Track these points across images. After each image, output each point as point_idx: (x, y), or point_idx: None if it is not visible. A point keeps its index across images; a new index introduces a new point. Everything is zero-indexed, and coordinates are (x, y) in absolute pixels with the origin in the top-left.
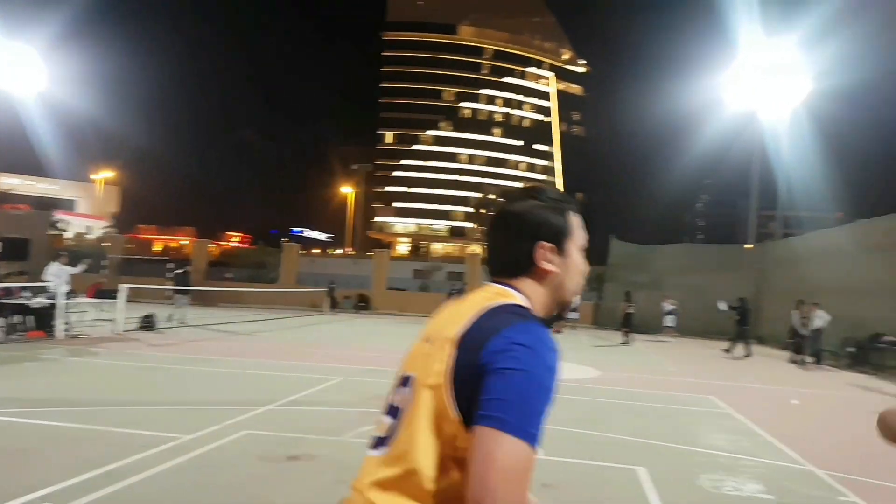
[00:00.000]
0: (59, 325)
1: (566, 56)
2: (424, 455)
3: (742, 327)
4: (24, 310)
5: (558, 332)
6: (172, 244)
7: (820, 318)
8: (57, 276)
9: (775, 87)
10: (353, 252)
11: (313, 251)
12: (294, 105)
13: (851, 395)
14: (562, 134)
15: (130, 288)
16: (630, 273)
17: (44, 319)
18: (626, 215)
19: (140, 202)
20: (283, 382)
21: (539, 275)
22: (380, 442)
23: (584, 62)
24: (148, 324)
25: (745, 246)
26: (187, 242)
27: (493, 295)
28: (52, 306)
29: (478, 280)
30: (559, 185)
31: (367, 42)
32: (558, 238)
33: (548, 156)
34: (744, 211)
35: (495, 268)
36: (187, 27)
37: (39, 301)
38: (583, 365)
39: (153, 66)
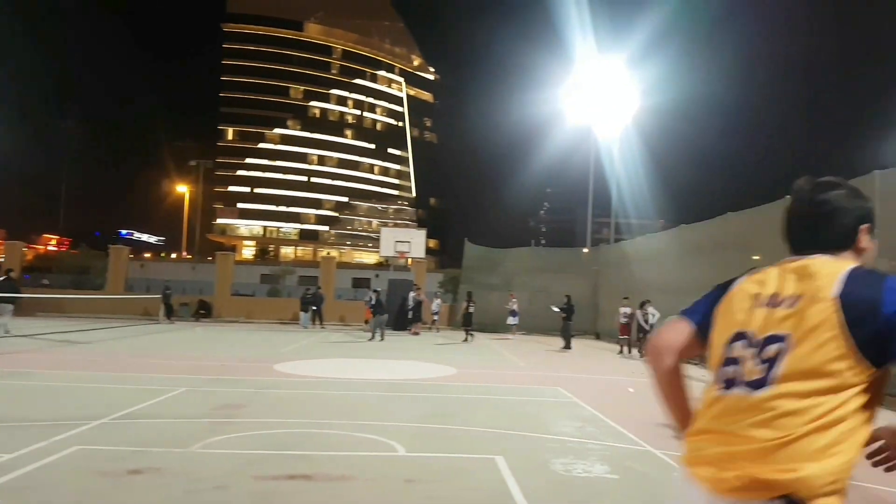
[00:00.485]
0: None
1: (416, 62)
2: (811, 390)
3: (566, 323)
4: None
5: (416, 333)
6: None
7: (652, 315)
8: None
9: (608, 103)
10: (190, 257)
11: (144, 255)
12: (122, 96)
13: None
14: (414, 139)
15: None
16: (483, 275)
17: None
18: (478, 220)
19: None
20: (118, 395)
21: (857, 251)
22: (757, 384)
23: (434, 70)
24: None
25: (584, 250)
26: None
27: (838, 262)
28: None
29: (333, 284)
30: (412, 189)
31: (206, 33)
32: (871, 222)
33: (401, 160)
34: (582, 217)
35: (810, 244)
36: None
37: None
38: (439, 364)
39: None
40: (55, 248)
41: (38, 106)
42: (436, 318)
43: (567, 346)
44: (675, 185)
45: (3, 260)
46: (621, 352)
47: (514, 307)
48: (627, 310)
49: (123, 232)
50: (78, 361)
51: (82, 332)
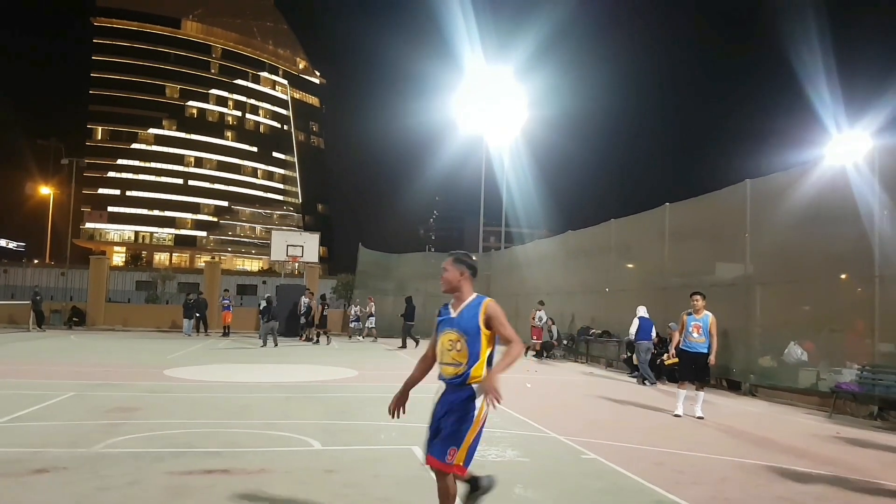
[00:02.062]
0: None
1: (302, 65)
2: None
3: (407, 324)
4: None
5: (309, 339)
6: None
7: (539, 318)
8: None
9: (498, 112)
10: (52, 263)
11: (3, 261)
12: None
13: (571, 378)
14: (300, 143)
15: None
16: (377, 280)
17: None
18: (368, 227)
19: None
20: (1, 400)
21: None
22: None
23: (320, 74)
24: None
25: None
26: None
27: None
28: None
29: (217, 290)
30: (299, 195)
31: (73, 26)
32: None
33: (286, 165)
34: (471, 225)
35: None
36: None
37: None
38: (340, 367)
39: None
40: None
41: None
42: (356, 324)
43: (403, 346)
44: (561, 194)
45: None
46: (536, 355)
47: (372, 310)
48: (543, 314)
49: None
50: None
51: None
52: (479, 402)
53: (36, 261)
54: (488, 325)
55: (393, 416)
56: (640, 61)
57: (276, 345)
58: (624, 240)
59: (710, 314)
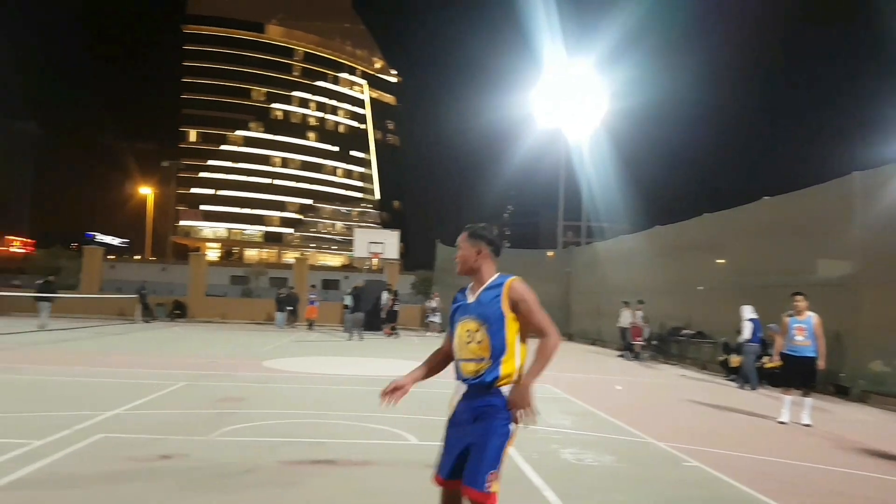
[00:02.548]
0: None
1: (378, 65)
2: None
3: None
4: None
5: (390, 333)
6: None
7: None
8: None
9: (578, 105)
10: (154, 258)
11: (109, 257)
12: (83, 98)
13: (663, 381)
14: (377, 142)
15: None
16: (455, 276)
17: None
18: (442, 222)
19: None
20: (122, 389)
21: None
22: None
23: (396, 72)
24: None
25: (548, 253)
26: None
27: None
28: None
29: (305, 285)
30: (375, 192)
31: (166, 34)
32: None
33: (364, 163)
34: (546, 220)
35: None
36: None
37: None
38: (418, 362)
39: None
40: (21, 250)
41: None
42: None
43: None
44: (645, 188)
45: None
46: (636, 356)
47: (435, 305)
48: (641, 313)
49: (88, 233)
50: (70, 358)
51: (64, 331)
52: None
53: (138, 256)
54: (515, 310)
55: (383, 402)
56: (730, 47)
57: (361, 338)
58: (717, 235)
59: (813, 315)
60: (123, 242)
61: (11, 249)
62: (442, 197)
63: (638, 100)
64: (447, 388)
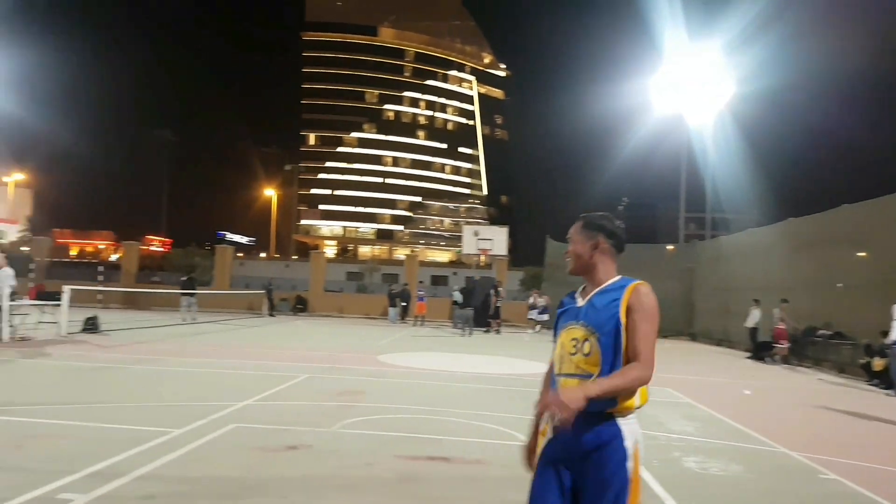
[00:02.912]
0: (5, 328)
1: (487, 60)
2: None
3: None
4: None
5: (497, 331)
6: (89, 248)
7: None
8: None
9: (700, 91)
10: (278, 256)
11: (238, 254)
12: (211, 106)
13: (796, 385)
14: (485, 137)
15: (70, 290)
16: (565, 272)
17: None
18: (552, 217)
19: (54, 205)
20: (251, 380)
21: None
22: None
23: (505, 66)
24: (91, 326)
25: (668, 247)
26: (104, 247)
27: None
28: None
29: (416, 281)
30: (483, 188)
31: (286, 42)
32: None
33: (472, 159)
34: (664, 213)
35: None
36: (103, 25)
37: None
38: (535, 360)
39: (65, 64)
40: (159, 249)
41: (135, 117)
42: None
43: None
44: (775, 177)
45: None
46: (777, 360)
47: (543, 303)
48: (778, 312)
49: (219, 232)
50: (204, 350)
51: (199, 324)
52: (629, 443)
53: (264, 254)
54: (626, 317)
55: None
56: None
57: (470, 334)
58: (860, 228)
59: None
60: (250, 241)
61: (151, 248)
62: (552, 191)
63: (770, 82)
64: None
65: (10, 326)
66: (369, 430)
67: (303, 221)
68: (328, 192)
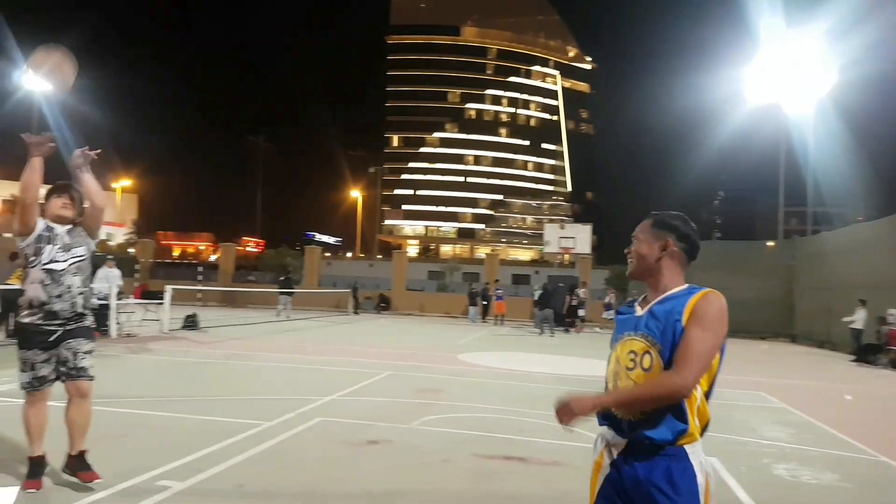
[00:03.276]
0: (113, 325)
1: (572, 53)
2: None
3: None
4: None
5: (578, 331)
6: (190, 249)
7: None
8: (105, 279)
9: (799, 79)
10: (363, 255)
11: (326, 254)
12: (301, 112)
13: None
14: (569, 132)
15: (172, 290)
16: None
17: (98, 320)
18: (644, 212)
19: (157, 209)
20: (336, 376)
21: None
22: None
23: (591, 59)
24: (191, 323)
25: (768, 243)
26: (204, 248)
27: None
28: (105, 307)
29: (494, 279)
30: (567, 184)
31: (371, 46)
32: None
33: (556, 155)
34: (763, 207)
35: None
36: (199, 39)
37: (94, 302)
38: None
39: (166, 77)
40: (254, 250)
41: (232, 125)
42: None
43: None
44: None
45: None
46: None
47: (612, 301)
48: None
49: (308, 233)
50: (293, 347)
51: (290, 321)
52: (700, 479)
53: (349, 254)
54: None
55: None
56: None
57: (552, 334)
58: None
59: None
60: (337, 241)
61: (247, 249)
62: (640, 186)
63: (877, 68)
64: None
65: (118, 324)
66: (447, 428)
67: (386, 221)
68: (410, 192)
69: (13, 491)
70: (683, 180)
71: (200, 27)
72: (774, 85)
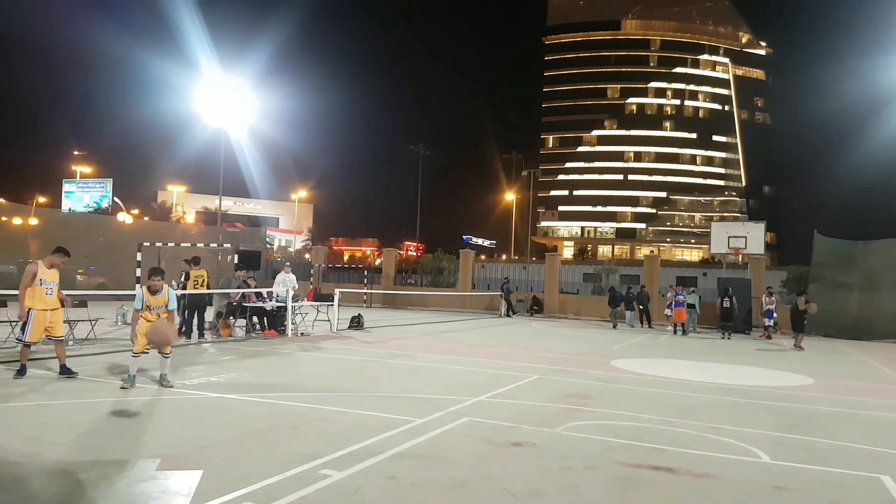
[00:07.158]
0: (289, 325)
1: (744, 39)
2: None
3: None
4: (261, 312)
5: (768, 338)
6: (358, 254)
7: None
8: (283, 283)
9: None
10: (517, 258)
11: (481, 257)
12: (459, 119)
13: None
14: (743, 123)
15: (340, 292)
16: (836, 272)
17: (276, 320)
18: (826, 208)
19: (329, 217)
20: (485, 377)
21: None
22: None
23: (765, 44)
24: (357, 323)
25: None
26: (370, 252)
27: None
28: (283, 309)
29: (657, 283)
30: (742, 178)
31: (527, 49)
32: None
33: (728, 147)
34: None
35: None
36: (364, 55)
37: (273, 304)
38: (789, 372)
39: (331, 96)
40: (414, 253)
41: (395, 136)
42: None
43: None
44: None
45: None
46: None
47: (772, 307)
48: None
49: (464, 237)
50: (448, 348)
51: (445, 322)
52: None
53: (504, 256)
54: None
55: None
56: None
57: (728, 337)
58: None
59: None
60: (491, 243)
61: (408, 253)
62: (823, 179)
63: None
64: (806, 402)
65: (293, 324)
66: (594, 435)
67: (542, 223)
68: (566, 192)
69: (196, 475)
70: (871, 172)
71: (370, 44)
72: None
